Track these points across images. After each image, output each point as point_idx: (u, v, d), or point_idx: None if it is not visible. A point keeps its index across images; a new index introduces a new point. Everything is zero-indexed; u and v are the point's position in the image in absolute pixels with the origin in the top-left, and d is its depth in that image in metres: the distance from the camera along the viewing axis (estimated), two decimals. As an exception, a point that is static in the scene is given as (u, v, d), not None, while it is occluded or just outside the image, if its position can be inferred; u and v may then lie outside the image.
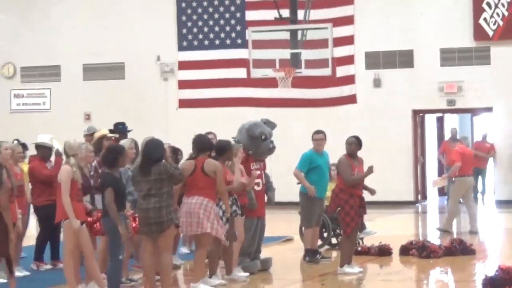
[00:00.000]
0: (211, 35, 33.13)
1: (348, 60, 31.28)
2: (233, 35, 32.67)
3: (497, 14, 30.74)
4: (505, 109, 31.10)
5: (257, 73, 27.60)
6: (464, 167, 23.85)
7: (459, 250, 19.62)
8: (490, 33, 30.90)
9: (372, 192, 17.31)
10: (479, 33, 30.98)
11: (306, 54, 26.53)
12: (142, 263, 15.65)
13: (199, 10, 33.22)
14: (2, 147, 15.99)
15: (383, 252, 19.37)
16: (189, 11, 33.27)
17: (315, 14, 28.20)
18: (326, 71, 27.47)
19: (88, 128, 20.47)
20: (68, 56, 34.23)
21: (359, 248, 20.10)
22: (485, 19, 30.90)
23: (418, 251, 19.26)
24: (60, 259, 18.23)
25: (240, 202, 16.66)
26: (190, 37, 33.33)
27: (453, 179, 23.06)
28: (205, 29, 33.18)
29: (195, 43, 33.28)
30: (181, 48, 33.37)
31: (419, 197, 32.08)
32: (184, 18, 33.33)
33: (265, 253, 18.30)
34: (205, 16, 33.15)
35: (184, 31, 33.35)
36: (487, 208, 31.16)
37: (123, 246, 14.64)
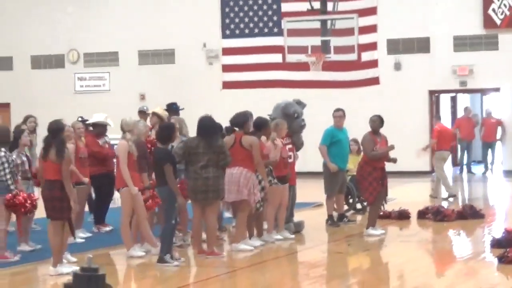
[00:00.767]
0: (251, 25, 33.07)
1: (372, 46, 31.17)
2: (270, 24, 32.59)
3: (504, 5, 30.57)
4: (511, 89, 30.92)
5: (291, 58, 27.60)
6: (440, 142, 24.00)
7: (469, 214, 19.57)
8: (498, 22, 30.72)
9: (394, 161, 17.36)
10: (488, 21, 30.81)
11: (335, 41, 26.50)
12: (192, 226, 15.68)
13: (240, 3, 33.15)
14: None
15: (402, 216, 19.36)
16: (231, 3, 33.22)
17: (343, 5, 28.14)
18: (352, 56, 27.43)
19: (141, 107, 20.53)
20: (125, 43, 34.26)
21: (381, 213, 20.08)
22: (493, 10, 30.72)
23: (433, 215, 19.26)
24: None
25: (278, 174, 16.65)
26: (232, 26, 33.29)
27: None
28: (246, 19, 33.11)
29: (237, 31, 33.24)
30: (224, 36, 33.34)
31: (435, 167, 31.92)
32: (227, 9, 33.27)
33: (298, 217, 18.29)
34: (246, 8, 33.08)
35: (227, 21, 33.31)
36: (496, 177, 30.98)
37: (176, 211, 14.66)
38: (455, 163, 33.74)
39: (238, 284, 13.57)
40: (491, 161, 32.70)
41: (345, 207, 20.29)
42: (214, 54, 33.35)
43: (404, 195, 23.68)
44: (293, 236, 17.23)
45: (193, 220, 15.60)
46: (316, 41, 26.47)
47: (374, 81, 31.62)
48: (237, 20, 33.24)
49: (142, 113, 19.00)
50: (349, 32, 26.89)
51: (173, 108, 18.67)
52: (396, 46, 31.68)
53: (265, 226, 16.98)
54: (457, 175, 32.29)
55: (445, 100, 34.02)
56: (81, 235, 16.86)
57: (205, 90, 32.28)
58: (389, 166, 17.53)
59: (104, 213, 18.61)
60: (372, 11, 31.26)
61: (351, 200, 20.81)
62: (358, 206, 21.12)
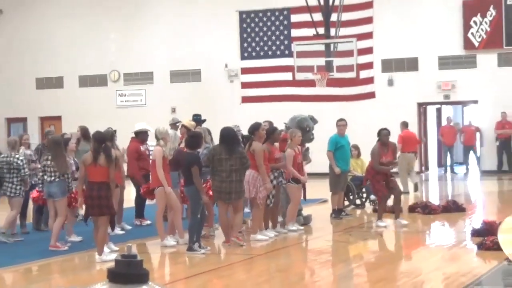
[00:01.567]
0: (265, 48, 33.07)
1: (368, 65, 31.13)
2: (282, 47, 32.58)
3: (481, 29, 30.46)
4: (487, 101, 30.83)
5: (300, 76, 27.55)
6: (404, 146, 24.10)
7: (453, 208, 19.54)
8: (476, 44, 30.63)
9: (395, 165, 17.51)
10: (467, 44, 30.72)
11: (337, 61, 26.45)
12: (219, 221, 15.70)
13: (256, 29, 33.15)
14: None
15: (393, 210, 19.35)
16: (248, 29, 33.23)
17: (343, 31, 28.11)
18: (352, 74, 27.36)
19: (173, 119, 20.54)
20: (159, 64, 34.30)
21: (377, 207, 20.17)
22: (472, 33, 30.62)
23: (422, 209, 19.28)
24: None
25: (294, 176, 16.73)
26: (249, 49, 33.29)
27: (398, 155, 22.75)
28: (261, 43, 33.11)
29: (253, 54, 33.24)
30: (243, 57, 33.33)
31: (423, 168, 31.92)
32: (245, 35, 33.28)
33: (306, 211, 18.28)
34: (261, 34, 33.08)
35: (245, 45, 33.30)
36: (475, 176, 30.92)
37: (201, 207, 14.69)
38: (440, 165, 33.72)
39: (256, 268, 13.57)
40: (476, 163, 32.92)
41: (346, 202, 20.29)
42: (234, 73, 33.36)
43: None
44: (302, 227, 17.25)
45: (219, 216, 15.63)
46: (321, 61, 26.46)
47: (371, 95, 31.61)
48: (253, 44, 33.26)
49: (173, 125, 19.01)
50: (349, 53, 26.85)
51: (196, 119, 18.73)
52: (389, 65, 31.63)
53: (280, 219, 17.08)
54: (442, 174, 32.27)
55: (431, 111, 33.97)
56: (118, 230, 16.89)
57: (227, 104, 32.32)
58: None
59: (143, 208, 18.63)
60: (368, 35, 31.24)
61: (351, 197, 20.80)
62: (357, 202, 21.13)
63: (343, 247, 15.87)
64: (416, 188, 24.40)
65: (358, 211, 20.69)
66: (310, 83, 28.20)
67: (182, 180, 15.35)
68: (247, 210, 18.65)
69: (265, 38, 33.06)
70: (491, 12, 30.42)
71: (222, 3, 33.18)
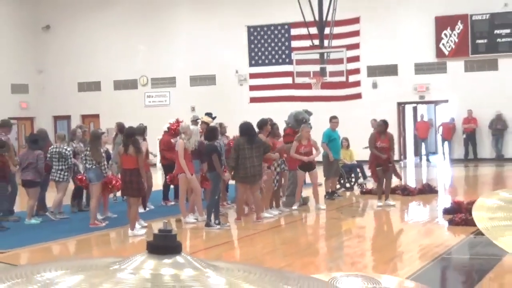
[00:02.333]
0: (270, 56, 33.06)
1: (356, 71, 31.09)
2: (284, 56, 32.58)
3: (451, 40, 30.43)
4: (455, 101, 30.82)
5: (298, 80, 27.53)
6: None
7: (427, 190, 19.51)
8: (446, 52, 30.59)
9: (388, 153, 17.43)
10: (439, 52, 30.68)
11: (330, 68, 26.44)
12: (238, 201, 15.71)
13: (262, 41, 33.15)
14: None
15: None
16: (255, 41, 33.23)
17: (335, 42, 28.05)
18: (342, 78, 27.35)
19: (193, 116, 20.54)
20: (180, 70, 34.31)
21: (364, 190, 20.10)
22: (443, 44, 30.59)
23: (401, 191, 19.20)
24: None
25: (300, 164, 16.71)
26: (256, 58, 33.29)
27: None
28: (266, 53, 33.10)
29: (260, 61, 33.24)
30: (251, 65, 33.34)
31: (402, 157, 31.88)
32: (252, 46, 33.27)
33: (304, 193, 18.23)
34: (266, 45, 33.08)
35: (253, 54, 33.31)
36: (446, 164, 30.89)
37: (219, 190, 14.78)
38: (416, 154, 33.70)
39: (262, 241, 13.57)
40: (431, 152, 33.23)
41: (337, 186, 20.27)
42: (243, 78, 33.37)
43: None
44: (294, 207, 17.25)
45: (239, 196, 15.66)
46: (316, 68, 26.45)
47: (358, 96, 31.60)
48: (259, 53, 33.26)
49: (194, 122, 18.99)
50: (339, 61, 26.85)
51: (209, 115, 18.72)
52: (373, 71, 31.61)
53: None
54: (417, 162, 32.25)
55: (408, 110, 33.91)
56: (149, 207, 16.95)
57: (237, 104, 32.32)
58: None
59: (168, 192, 18.64)
60: (356, 46, 31.20)
61: (342, 181, 20.79)
62: (347, 185, 21.11)
63: (336, 223, 15.87)
64: None
65: (348, 193, 20.65)
66: (307, 86, 28.18)
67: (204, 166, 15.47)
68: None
69: (269, 48, 33.06)
70: (459, 26, 30.36)
71: (234, 20, 33.14)
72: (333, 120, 19.32)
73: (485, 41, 30.09)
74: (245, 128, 15.32)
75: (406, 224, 15.85)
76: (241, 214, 15.58)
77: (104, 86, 35.91)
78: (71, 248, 13.53)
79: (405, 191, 19.20)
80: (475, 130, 30.52)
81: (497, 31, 29.91)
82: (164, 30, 34.57)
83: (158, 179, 22.01)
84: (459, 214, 14.11)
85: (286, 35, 32.61)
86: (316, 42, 27.21)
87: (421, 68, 31.04)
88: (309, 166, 16.89)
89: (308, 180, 17.79)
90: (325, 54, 26.76)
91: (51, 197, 16.77)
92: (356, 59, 30.93)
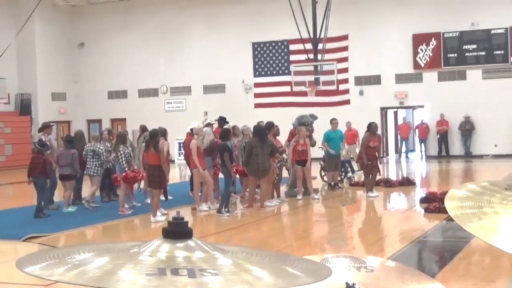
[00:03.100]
0: (271, 68, 33.05)
1: (345, 81, 31.06)
2: (283, 68, 32.55)
3: (426, 54, 30.42)
4: (430, 106, 30.79)
5: (296, 88, 27.56)
6: (348, 140, 21.84)
7: (406, 183, 19.48)
8: (422, 65, 30.58)
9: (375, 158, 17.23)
10: (416, 65, 30.67)
11: (323, 78, 26.43)
12: (250, 191, 15.68)
13: (265, 55, 33.15)
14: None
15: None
16: (259, 55, 33.22)
17: (327, 56, 28.05)
18: (333, 87, 27.33)
19: (205, 119, 20.51)
20: (195, 80, 34.33)
21: (352, 182, 20.05)
22: (419, 57, 30.58)
23: (384, 183, 19.12)
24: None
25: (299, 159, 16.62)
26: (260, 69, 33.28)
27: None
28: (268, 65, 33.10)
29: (263, 72, 33.22)
30: (255, 75, 33.33)
31: (384, 154, 31.82)
32: (256, 59, 33.27)
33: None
34: (268, 58, 33.07)
35: (257, 66, 33.30)
36: (423, 160, 30.85)
37: (231, 182, 14.80)
38: (396, 151, 33.66)
39: (266, 226, 13.56)
40: (411, 150, 33.16)
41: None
42: (249, 86, 33.35)
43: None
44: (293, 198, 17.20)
45: (250, 188, 15.64)
46: (311, 78, 26.44)
47: (346, 102, 31.55)
48: (263, 65, 33.24)
49: (208, 124, 18.86)
50: (331, 72, 26.81)
51: (222, 119, 18.63)
52: (360, 80, 31.58)
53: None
54: (398, 159, 32.21)
55: (390, 114, 33.88)
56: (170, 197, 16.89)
57: (243, 109, 32.29)
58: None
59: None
60: (345, 59, 31.14)
61: (343, 175, 20.55)
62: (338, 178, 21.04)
63: (328, 211, 15.85)
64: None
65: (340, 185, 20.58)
66: (303, 94, 28.20)
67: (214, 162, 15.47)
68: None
69: (271, 61, 33.04)
70: (433, 42, 30.33)
71: (240, 37, 33.14)
72: (333, 121, 19.34)
73: (455, 55, 30.08)
74: (258, 130, 15.39)
75: (388, 211, 15.83)
76: (253, 202, 15.57)
77: (130, 94, 35.92)
78: (101, 232, 13.52)
79: (387, 183, 19.14)
80: (447, 131, 30.51)
81: (465, 47, 29.90)
82: (181, 47, 34.57)
83: (176, 173, 21.93)
84: (434, 203, 14.09)
85: (285, 50, 32.58)
86: (311, 56, 27.23)
87: (400, 78, 31.00)
88: (303, 162, 16.81)
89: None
90: (319, 66, 26.76)
91: (86, 188, 16.79)
92: (345, 70, 30.89)
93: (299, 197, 16.83)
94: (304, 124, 17.40)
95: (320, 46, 27.19)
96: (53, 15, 35.55)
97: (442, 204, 13.56)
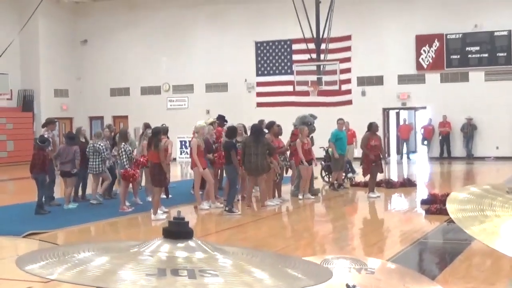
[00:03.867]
0: (274, 67, 33.02)
1: (348, 81, 31.02)
2: (286, 67, 32.52)
3: (429, 56, 30.39)
4: (433, 108, 30.78)
5: (299, 88, 27.53)
6: (348, 140, 21.43)
7: (407, 184, 19.47)
8: (425, 66, 30.54)
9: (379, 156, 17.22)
10: (419, 66, 30.63)
11: (325, 78, 26.45)
12: (247, 190, 15.68)
13: (268, 54, 33.12)
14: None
15: (366, 184, 19.15)
16: (262, 54, 33.19)
17: (330, 56, 28.04)
18: (335, 87, 27.35)
19: (208, 119, 20.50)
20: (197, 79, 34.30)
21: (354, 182, 20.00)
22: (422, 58, 30.54)
23: (385, 184, 19.09)
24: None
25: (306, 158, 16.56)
26: (262, 68, 33.25)
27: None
28: (271, 64, 33.08)
29: (265, 72, 33.20)
30: (258, 74, 33.30)
31: (386, 155, 31.73)
32: (259, 58, 33.24)
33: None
34: (271, 57, 33.05)
35: (259, 65, 33.27)
36: (424, 161, 30.83)
37: (237, 181, 14.82)
38: (398, 152, 33.60)
39: (266, 225, 13.56)
40: (411, 151, 33.14)
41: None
42: (251, 85, 33.33)
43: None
44: (313, 197, 17.12)
45: (248, 187, 15.65)
46: (314, 78, 26.44)
47: (349, 102, 31.51)
48: (265, 64, 33.22)
49: (213, 123, 18.82)
50: (333, 72, 26.84)
51: (221, 118, 18.59)
52: (362, 81, 31.55)
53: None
54: (399, 160, 32.18)
55: (392, 114, 33.82)
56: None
57: (246, 108, 32.24)
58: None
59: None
60: (348, 59, 31.12)
61: (348, 175, 20.47)
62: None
63: (329, 211, 15.85)
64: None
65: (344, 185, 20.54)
66: (306, 93, 28.18)
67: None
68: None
69: (274, 61, 33.02)
70: (436, 43, 30.30)
71: (244, 36, 33.12)
72: (339, 121, 19.31)
73: (458, 56, 30.04)
74: (254, 129, 15.34)
75: (389, 212, 15.82)
76: (250, 200, 15.65)
77: (132, 91, 35.92)
78: (102, 229, 13.52)
79: (388, 184, 19.12)
80: (449, 133, 30.49)
81: (468, 48, 29.86)
82: (184, 44, 34.56)
83: (177, 171, 21.92)
84: (435, 205, 14.07)
85: (288, 49, 32.56)
86: (314, 55, 27.22)
87: (403, 79, 30.97)
88: (310, 161, 16.79)
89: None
90: (321, 66, 26.76)
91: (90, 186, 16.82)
92: (347, 70, 30.86)
93: (300, 196, 16.80)
94: (307, 124, 17.40)
95: (323, 46, 27.18)
96: (57, 12, 35.55)
97: (443, 206, 13.56)
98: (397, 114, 34.43)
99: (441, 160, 29.89)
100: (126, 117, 35.44)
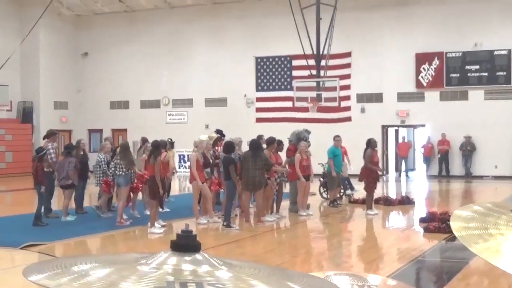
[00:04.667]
0: (274, 83, 33.08)
1: (347, 98, 31.07)
2: (285, 83, 32.57)
3: (428, 74, 30.47)
4: (432, 126, 30.82)
5: (298, 104, 27.51)
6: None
7: (406, 201, 19.44)
8: (424, 84, 30.61)
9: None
10: (418, 84, 30.71)
11: (325, 94, 26.42)
12: (244, 205, 15.64)
13: (267, 70, 33.20)
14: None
15: (365, 201, 19.11)
16: (262, 70, 33.27)
17: (329, 73, 28.08)
18: (335, 104, 27.38)
19: (210, 133, 20.50)
20: (197, 93, 34.36)
21: (352, 199, 19.97)
22: (422, 76, 30.62)
23: (383, 201, 19.08)
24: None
25: (303, 174, 16.55)
26: (262, 84, 33.31)
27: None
28: (270, 80, 33.14)
29: (265, 87, 33.25)
30: (257, 90, 33.35)
31: (384, 172, 31.75)
32: (259, 74, 33.31)
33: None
34: (270, 73, 33.12)
35: (259, 81, 33.34)
36: (422, 179, 30.82)
37: (235, 196, 14.80)
38: (396, 170, 33.60)
39: (263, 240, 13.53)
40: (410, 169, 33.05)
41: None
42: (250, 101, 33.37)
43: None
44: (311, 213, 17.08)
45: (244, 201, 15.63)
46: (313, 94, 26.43)
47: (348, 119, 31.53)
48: (265, 80, 33.28)
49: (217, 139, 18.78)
50: (333, 89, 26.84)
51: (219, 132, 18.62)
52: (362, 98, 31.61)
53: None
54: (397, 177, 32.18)
55: (391, 132, 33.86)
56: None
57: (245, 123, 32.26)
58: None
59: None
60: (347, 76, 31.21)
61: (343, 192, 20.48)
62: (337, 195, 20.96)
63: (326, 227, 15.81)
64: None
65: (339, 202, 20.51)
66: (305, 109, 28.21)
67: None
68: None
69: (273, 76, 33.09)
70: (436, 61, 30.40)
71: (244, 51, 33.23)
72: (336, 138, 19.30)
73: (458, 75, 30.13)
74: (252, 144, 15.35)
75: (387, 230, 15.79)
76: (248, 215, 15.59)
77: (132, 104, 35.96)
78: (100, 242, 13.49)
79: (386, 202, 19.10)
80: (448, 151, 30.52)
81: (468, 67, 29.96)
82: (184, 59, 34.65)
83: (176, 185, 21.88)
84: (433, 223, 14.07)
85: (288, 65, 32.63)
86: (314, 72, 27.26)
87: (402, 97, 31.03)
88: (307, 177, 16.80)
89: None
90: (321, 83, 26.78)
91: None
92: (347, 87, 30.93)
93: (304, 213, 16.76)
94: (302, 139, 17.43)
95: (323, 62, 27.25)
96: (58, 24, 35.65)
97: (442, 224, 13.58)
98: (396, 132, 34.48)
99: (440, 178, 29.89)
100: (125, 130, 35.47)
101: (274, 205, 16.64)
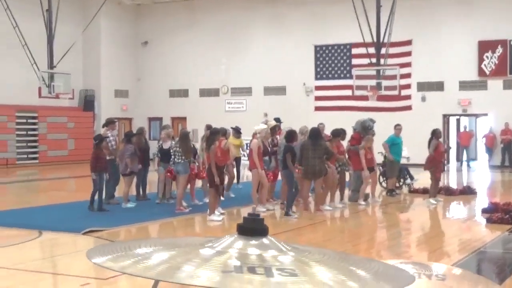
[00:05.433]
0: (333, 71, 32.87)
1: (407, 86, 30.66)
2: (345, 71, 32.33)
3: (492, 62, 29.84)
4: (494, 114, 30.20)
5: (358, 92, 27.30)
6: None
7: (468, 192, 19.12)
8: (487, 72, 29.98)
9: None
10: (481, 72, 30.09)
11: (384, 83, 26.16)
12: (303, 193, 15.56)
13: (327, 58, 32.99)
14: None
15: (426, 191, 18.78)
16: (321, 58, 33.09)
17: (390, 61, 27.72)
18: (395, 92, 27.03)
19: (265, 120, 20.45)
20: (256, 82, 34.37)
21: (412, 189, 19.69)
22: (484, 65, 30.00)
23: (444, 192, 18.77)
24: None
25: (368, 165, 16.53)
26: (321, 72, 33.13)
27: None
28: (330, 68, 32.93)
29: (324, 76, 33.07)
30: (316, 78, 33.20)
31: (445, 162, 31.17)
32: (318, 62, 33.14)
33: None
34: (330, 61, 32.91)
35: (318, 69, 33.17)
36: (484, 169, 30.22)
37: (294, 184, 14.74)
38: (458, 160, 33.02)
39: (323, 229, 13.45)
40: (471, 158, 32.47)
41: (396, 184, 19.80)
42: (310, 89, 33.23)
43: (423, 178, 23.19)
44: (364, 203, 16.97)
45: (303, 190, 15.56)
46: (373, 82, 26.18)
47: (408, 108, 31.14)
48: (324, 68, 33.09)
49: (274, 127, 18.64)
50: (393, 77, 26.53)
51: (276, 120, 18.54)
52: (423, 86, 31.14)
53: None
54: (459, 167, 31.62)
55: (452, 121, 33.29)
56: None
57: (304, 112, 32.16)
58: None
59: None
60: (408, 64, 30.79)
61: (402, 181, 20.21)
62: (397, 184, 20.67)
63: (387, 217, 15.64)
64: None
65: (398, 191, 20.25)
66: (365, 98, 27.97)
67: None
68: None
69: (333, 65, 32.87)
70: (499, 49, 29.73)
71: (303, 39, 33.08)
72: (397, 127, 19.12)
73: (522, 63, 29.45)
74: (312, 133, 15.28)
75: (448, 220, 15.53)
76: (307, 204, 15.59)
77: (191, 93, 36.19)
78: (159, 228, 13.60)
79: (448, 192, 18.80)
80: (511, 141, 29.86)
81: (533, 55, 29.25)
82: (243, 47, 34.67)
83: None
84: (496, 214, 13.78)
85: (348, 53, 32.37)
86: (373, 60, 26.96)
87: (464, 85, 30.45)
88: (371, 168, 16.79)
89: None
90: (381, 71, 26.49)
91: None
92: (407, 76, 30.52)
93: (363, 202, 16.67)
94: (368, 128, 17.28)
95: (383, 50, 26.91)
96: (119, 13, 36.08)
97: (505, 215, 13.27)
98: (458, 121, 33.88)
99: (502, 169, 29.28)
100: (184, 118, 35.74)
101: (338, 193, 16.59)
